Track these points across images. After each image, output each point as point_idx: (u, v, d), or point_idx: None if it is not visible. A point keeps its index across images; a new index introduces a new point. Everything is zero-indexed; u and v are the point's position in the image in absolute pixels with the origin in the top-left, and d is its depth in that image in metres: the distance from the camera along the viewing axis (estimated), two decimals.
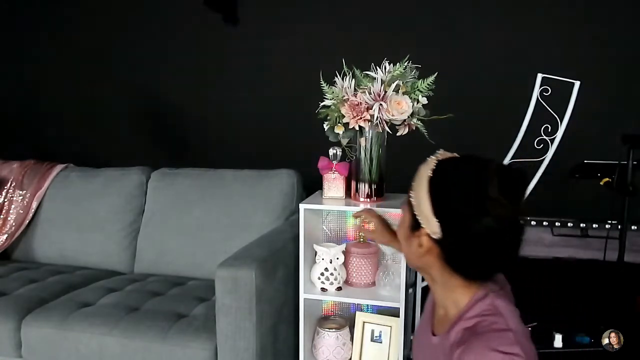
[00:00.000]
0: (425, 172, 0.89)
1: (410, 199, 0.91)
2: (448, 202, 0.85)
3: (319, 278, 1.64)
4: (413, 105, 1.47)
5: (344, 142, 1.58)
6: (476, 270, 0.89)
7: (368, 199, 1.61)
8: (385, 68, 1.48)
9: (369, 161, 1.58)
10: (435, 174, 0.87)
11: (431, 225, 0.86)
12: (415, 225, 0.90)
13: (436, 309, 1.00)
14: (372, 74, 1.48)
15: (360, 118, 1.48)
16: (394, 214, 1.68)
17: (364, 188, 1.61)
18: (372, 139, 1.56)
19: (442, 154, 0.92)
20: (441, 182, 0.87)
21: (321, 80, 1.53)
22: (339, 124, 1.53)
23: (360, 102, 1.47)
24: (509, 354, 0.77)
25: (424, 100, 1.49)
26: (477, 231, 0.82)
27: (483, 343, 0.80)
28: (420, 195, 0.88)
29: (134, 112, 2.93)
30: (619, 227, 2.09)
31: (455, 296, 0.91)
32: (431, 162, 0.90)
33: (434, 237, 0.87)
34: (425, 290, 2.02)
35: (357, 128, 1.51)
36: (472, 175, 0.85)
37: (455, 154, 0.92)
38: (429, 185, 0.87)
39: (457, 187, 0.85)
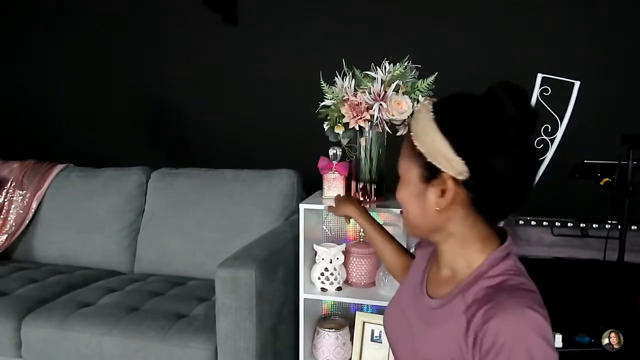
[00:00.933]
0: (424, 116, 0.82)
1: (417, 148, 0.82)
2: (468, 134, 0.78)
3: (319, 278, 1.64)
4: (413, 105, 1.47)
5: (344, 142, 1.57)
6: (501, 208, 0.84)
7: (368, 199, 1.61)
8: (385, 68, 1.48)
9: (369, 161, 1.58)
10: (440, 113, 0.81)
11: (455, 166, 0.78)
12: (430, 175, 0.82)
13: (437, 270, 0.93)
14: (372, 74, 1.48)
15: (360, 118, 1.48)
16: (394, 216, 1.68)
17: (365, 188, 1.61)
18: (372, 139, 1.56)
19: (429, 99, 0.86)
20: (453, 117, 0.80)
21: (321, 80, 1.53)
22: (339, 124, 1.53)
23: (360, 102, 1.47)
24: (543, 315, 0.73)
25: None
26: (502, 160, 0.77)
27: (516, 300, 0.75)
28: (431, 138, 0.80)
29: (134, 112, 2.93)
30: (619, 227, 2.09)
31: (470, 254, 0.85)
32: (426, 106, 0.83)
33: (461, 177, 0.79)
34: None
35: (357, 128, 1.51)
36: (482, 100, 0.80)
37: (430, 105, 0.85)
38: (438, 124, 0.79)
39: (472, 116, 0.79)
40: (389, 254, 1.24)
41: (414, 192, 0.86)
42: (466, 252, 0.86)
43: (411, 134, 0.84)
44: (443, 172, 0.80)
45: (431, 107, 0.82)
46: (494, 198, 0.81)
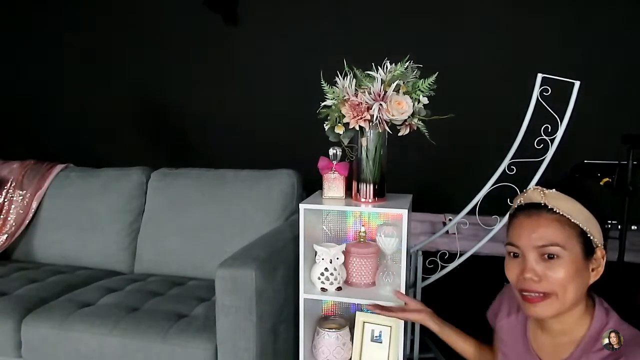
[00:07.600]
0: (573, 206, 0.97)
1: (583, 228, 0.97)
2: (599, 210, 0.99)
3: (319, 278, 1.64)
4: (414, 105, 1.46)
5: (345, 142, 1.57)
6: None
7: (369, 200, 1.61)
8: (386, 67, 1.47)
9: (370, 162, 1.58)
10: (577, 199, 0.99)
11: (599, 238, 0.98)
12: (589, 251, 0.98)
13: (543, 335, 1.06)
14: (373, 73, 1.48)
15: (361, 118, 1.47)
16: (395, 215, 1.68)
17: (365, 188, 1.60)
18: (372, 139, 1.56)
19: (551, 194, 0.99)
20: (587, 202, 0.99)
21: (321, 80, 1.53)
22: (339, 124, 1.52)
23: (361, 102, 1.47)
24: None
25: (425, 100, 1.49)
26: None
27: None
28: (588, 220, 0.97)
29: (134, 112, 2.93)
30: (619, 227, 2.09)
31: (574, 313, 0.99)
32: (564, 197, 0.99)
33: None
34: (425, 291, 2.02)
35: (357, 128, 1.50)
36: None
37: (551, 191, 1.00)
38: (586, 208, 0.97)
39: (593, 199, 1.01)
40: (471, 349, 1.37)
41: (575, 271, 0.96)
42: (576, 317, 1.00)
43: (572, 221, 0.96)
44: (598, 246, 0.98)
45: (566, 198, 0.98)
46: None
